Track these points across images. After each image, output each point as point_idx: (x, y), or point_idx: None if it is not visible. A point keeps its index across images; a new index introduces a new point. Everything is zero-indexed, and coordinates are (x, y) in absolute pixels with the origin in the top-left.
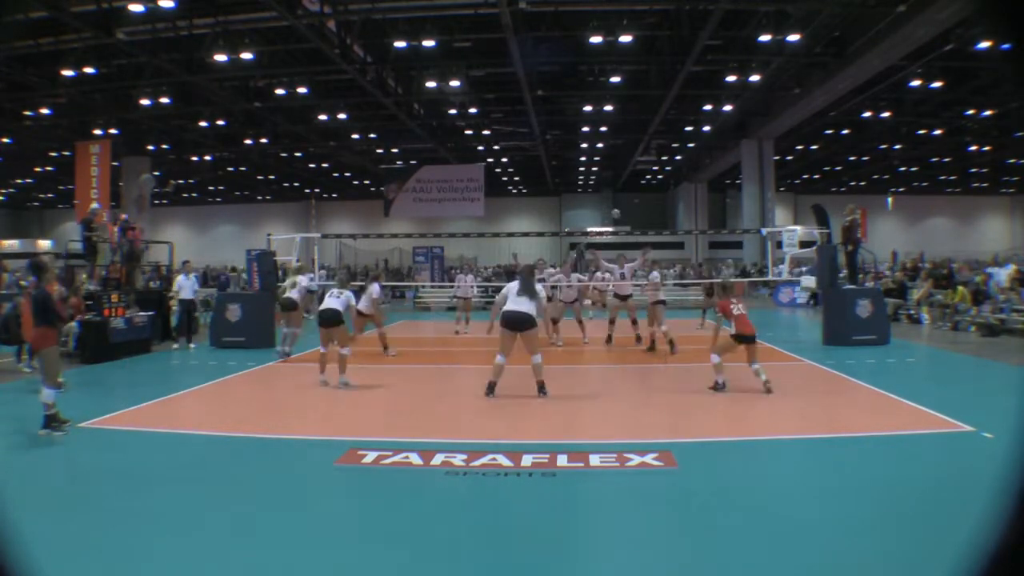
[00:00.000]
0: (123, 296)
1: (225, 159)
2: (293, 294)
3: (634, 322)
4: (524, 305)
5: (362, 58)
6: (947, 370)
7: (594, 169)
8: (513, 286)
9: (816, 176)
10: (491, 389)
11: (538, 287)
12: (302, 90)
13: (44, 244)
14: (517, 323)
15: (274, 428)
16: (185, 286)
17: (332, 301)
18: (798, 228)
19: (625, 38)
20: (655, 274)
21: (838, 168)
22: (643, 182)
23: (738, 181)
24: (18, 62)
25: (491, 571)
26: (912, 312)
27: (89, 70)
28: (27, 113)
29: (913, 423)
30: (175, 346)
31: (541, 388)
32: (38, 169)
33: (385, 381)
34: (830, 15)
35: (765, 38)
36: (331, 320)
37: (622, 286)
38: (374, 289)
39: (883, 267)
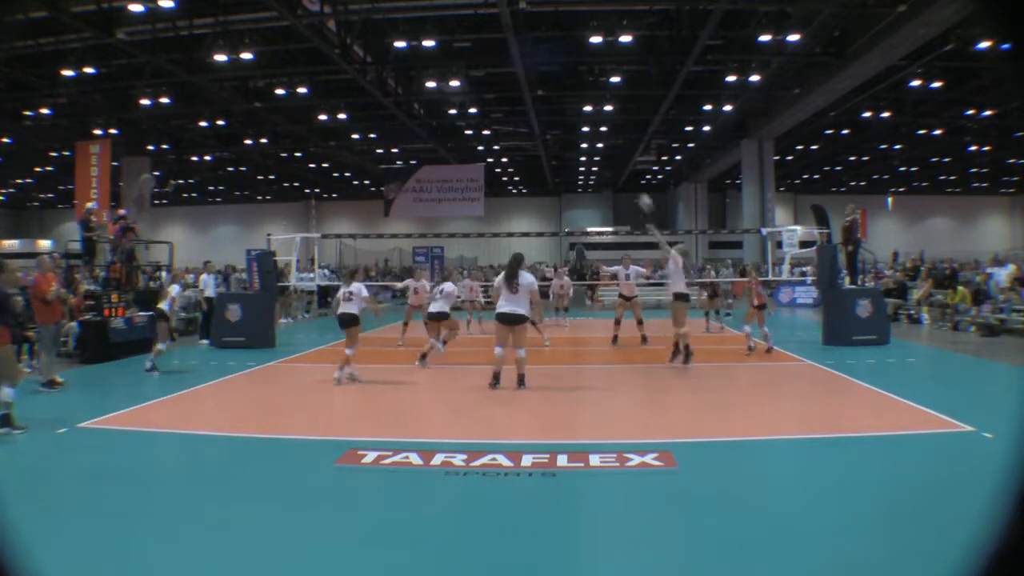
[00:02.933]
0: (123, 296)
1: (225, 159)
2: (164, 305)
3: (639, 322)
4: (517, 306)
5: (362, 58)
6: (947, 370)
7: (594, 169)
8: (502, 280)
9: (816, 176)
10: (496, 379)
11: (526, 275)
12: (302, 90)
13: (44, 244)
14: (511, 320)
15: (274, 428)
16: (209, 284)
17: (346, 305)
18: (798, 228)
19: (625, 38)
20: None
21: (838, 168)
22: (643, 182)
23: (738, 181)
24: (18, 62)
25: (491, 571)
26: (912, 312)
27: (89, 70)
28: (27, 113)
29: (913, 423)
30: (204, 342)
31: (521, 381)
32: (38, 169)
33: (385, 381)
34: (830, 15)
35: (765, 38)
36: (345, 323)
37: (628, 287)
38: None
39: (882, 266)
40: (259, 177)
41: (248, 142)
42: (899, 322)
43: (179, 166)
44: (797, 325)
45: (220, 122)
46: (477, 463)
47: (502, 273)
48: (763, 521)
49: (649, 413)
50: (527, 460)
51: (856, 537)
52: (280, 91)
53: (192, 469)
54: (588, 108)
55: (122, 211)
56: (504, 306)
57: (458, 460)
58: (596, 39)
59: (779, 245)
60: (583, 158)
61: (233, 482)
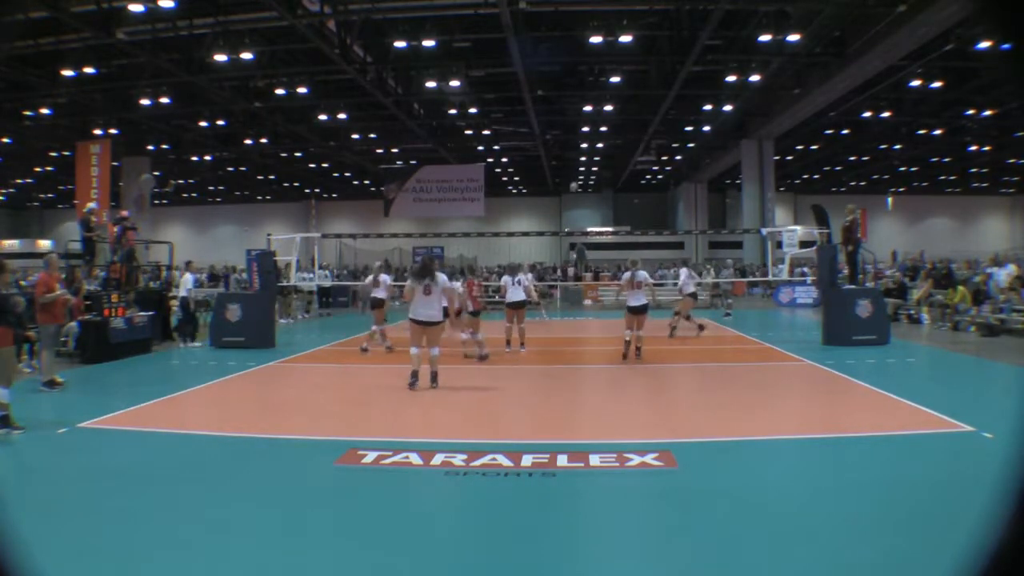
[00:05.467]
0: (123, 296)
1: (225, 159)
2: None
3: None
4: (431, 308)
5: (362, 58)
6: (947, 370)
7: (594, 169)
8: (415, 283)
9: (816, 176)
10: (415, 377)
11: (440, 276)
12: (302, 90)
13: (44, 244)
14: (425, 323)
15: (274, 428)
16: (189, 283)
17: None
18: (798, 228)
19: (625, 38)
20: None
21: (838, 168)
22: (643, 182)
23: (738, 181)
24: (18, 62)
25: (491, 571)
26: (912, 312)
27: (89, 70)
28: (27, 113)
29: (913, 423)
30: (182, 345)
31: (434, 378)
32: (38, 169)
33: (384, 381)
34: (830, 15)
35: (765, 38)
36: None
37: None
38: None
39: (882, 266)
40: (259, 177)
41: (248, 142)
42: (899, 322)
43: (179, 166)
44: (797, 325)
45: (220, 122)
46: (477, 463)
47: (412, 276)
48: (763, 521)
49: (649, 413)
50: (527, 460)
51: (856, 537)
52: (280, 91)
53: (192, 469)
54: (588, 108)
55: (125, 212)
56: (421, 307)
57: (458, 460)
58: (596, 39)
59: (779, 245)
60: (583, 158)
61: (233, 482)
